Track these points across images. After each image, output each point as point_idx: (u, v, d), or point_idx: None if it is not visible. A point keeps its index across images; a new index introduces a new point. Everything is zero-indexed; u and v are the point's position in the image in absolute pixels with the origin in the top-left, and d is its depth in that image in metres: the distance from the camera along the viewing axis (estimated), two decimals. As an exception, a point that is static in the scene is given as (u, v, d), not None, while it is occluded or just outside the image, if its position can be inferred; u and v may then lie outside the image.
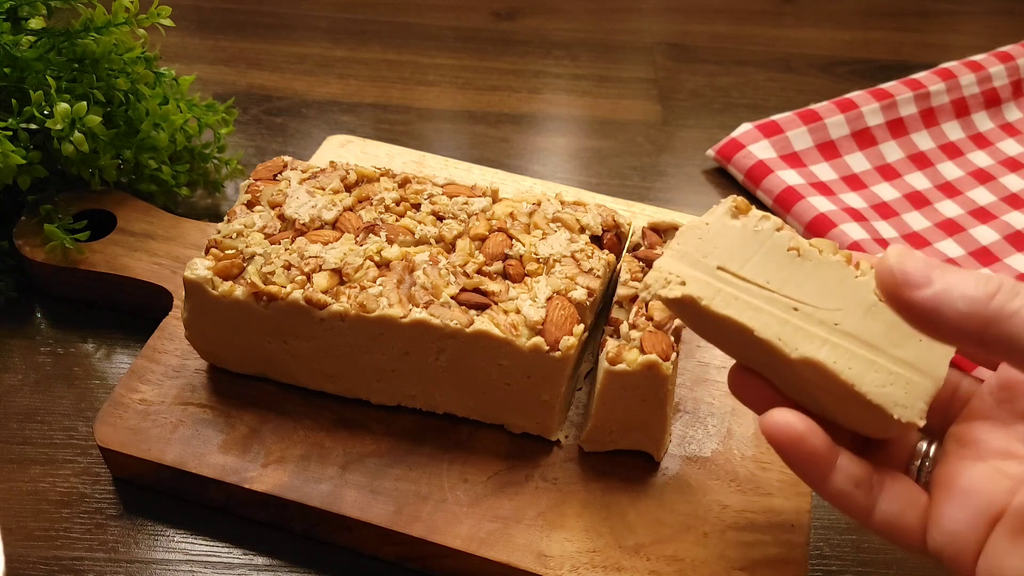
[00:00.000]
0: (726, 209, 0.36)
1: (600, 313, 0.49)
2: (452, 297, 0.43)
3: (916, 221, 0.67)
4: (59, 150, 0.52)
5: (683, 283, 0.36)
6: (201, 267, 0.44)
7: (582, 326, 0.43)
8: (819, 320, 0.34)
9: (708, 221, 0.37)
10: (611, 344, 0.42)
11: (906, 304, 0.30)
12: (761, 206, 0.68)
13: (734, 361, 0.39)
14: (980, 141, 0.75)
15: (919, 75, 0.75)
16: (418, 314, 0.43)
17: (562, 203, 0.49)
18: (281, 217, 0.47)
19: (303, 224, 0.47)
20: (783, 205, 0.66)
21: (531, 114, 0.77)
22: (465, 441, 0.46)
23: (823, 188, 0.68)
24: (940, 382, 0.33)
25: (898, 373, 0.33)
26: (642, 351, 0.42)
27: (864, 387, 0.33)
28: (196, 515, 0.46)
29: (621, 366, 0.41)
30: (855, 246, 0.61)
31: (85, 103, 0.52)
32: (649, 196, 0.69)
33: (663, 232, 0.49)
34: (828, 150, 0.71)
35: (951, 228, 0.66)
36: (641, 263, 0.46)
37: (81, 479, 0.47)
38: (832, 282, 0.35)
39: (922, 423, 0.33)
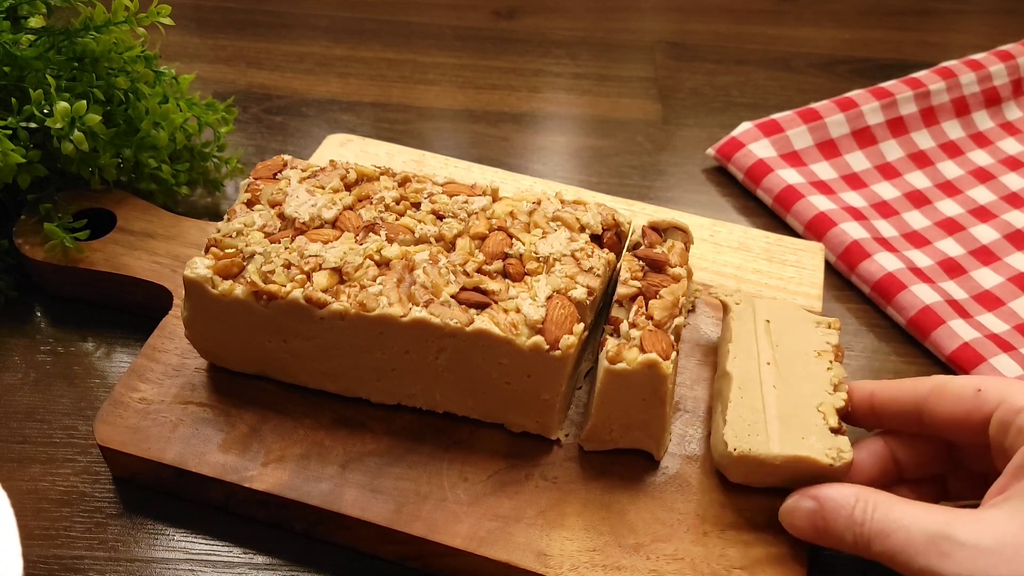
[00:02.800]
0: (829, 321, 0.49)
1: (600, 312, 0.49)
2: (452, 296, 0.43)
3: (916, 220, 0.67)
4: (59, 149, 0.52)
5: (738, 303, 0.49)
6: (201, 266, 0.44)
7: (582, 325, 0.43)
8: (768, 376, 0.45)
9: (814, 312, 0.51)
10: (611, 343, 0.42)
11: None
12: (761, 205, 0.68)
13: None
14: (980, 140, 0.75)
15: (919, 74, 0.75)
16: (418, 313, 0.43)
17: (562, 202, 0.49)
18: (281, 216, 0.47)
19: (303, 223, 0.47)
20: (783, 204, 0.66)
21: (531, 113, 0.77)
22: (465, 440, 0.46)
23: (823, 187, 0.68)
24: (775, 457, 0.42)
25: (762, 424, 0.43)
26: (642, 350, 0.42)
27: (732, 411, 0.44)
28: (196, 514, 0.46)
29: (621, 365, 0.41)
30: (855, 245, 0.61)
31: (85, 102, 0.52)
32: (649, 195, 0.69)
33: (663, 231, 0.49)
34: (828, 149, 0.71)
35: (951, 227, 0.66)
36: (641, 262, 0.46)
37: (81, 478, 0.47)
38: (804, 371, 0.45)
39: (734, 452, 0.42)
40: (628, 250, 0.48)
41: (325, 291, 0.43)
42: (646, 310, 0.44)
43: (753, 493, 0.44)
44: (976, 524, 0.35)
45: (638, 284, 0.45)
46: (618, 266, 0.49)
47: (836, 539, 0.40)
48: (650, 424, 0.44)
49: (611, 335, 0.43)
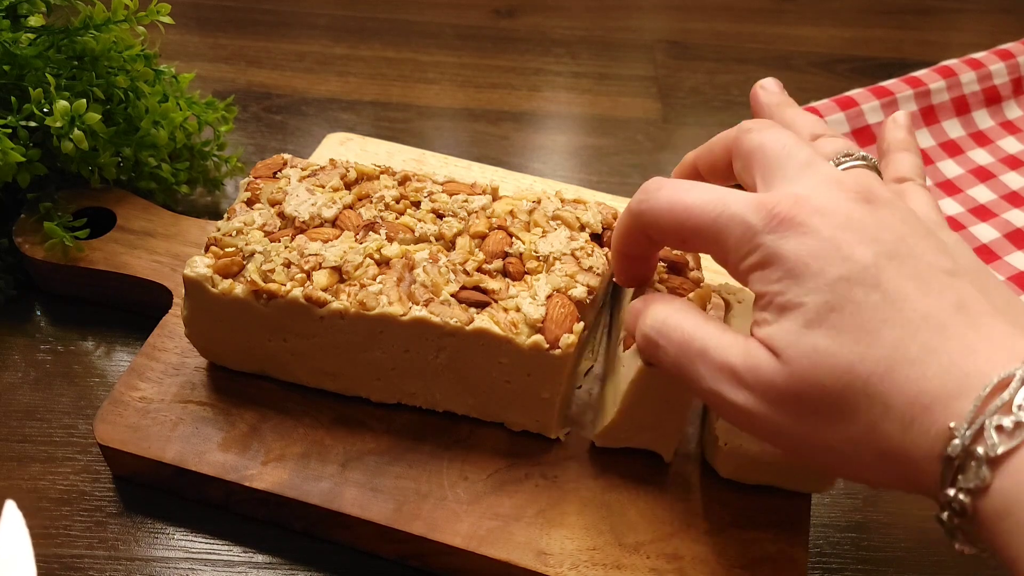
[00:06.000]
0: None
1: (600, 311, 0.49)
2: (452, 295, 0.43)
3: (916, 219, 0.67)
4: (59, 148, 0.52)
5: (740, 302, 0.47)
6: (201, 265, 0.44)
7: (582, 324, 0.43)
8: None
9: None
10: None
11: None
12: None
13: None
14: (980, 139, 0.75)
15: (919, 73, 0.75)
16: (418, 312, 0.43)
17: (562, 201, 0.49)
18: (281, 215, 0.47)
19: (303, 222, 0.47)
20: (783, 203, 0.66)
21: (531, 112, 0.77)
22: (465, 439, 0.46)
23: (823, 186, 0.68)
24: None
25: None
26: None
27: None
28: (196, 513, 0.46)
29: None
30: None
31: (84, 101, 0.52)
32: (649, 194, 0.69)
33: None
34: (828, 148, 0.71)
35: (951, 226, 0.66)
36: (663, 263, 0.46)
37: (81, 477, 0.47)
38: None
39: (725, 447, 0.43)
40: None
41: (325, 290, 0.43)
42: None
43: (754, 493, 0.44)
44: None
45: (664, 288, 0.44)
46: (618, 265, 0.49)
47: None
48: (666, 425, 0.43)
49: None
